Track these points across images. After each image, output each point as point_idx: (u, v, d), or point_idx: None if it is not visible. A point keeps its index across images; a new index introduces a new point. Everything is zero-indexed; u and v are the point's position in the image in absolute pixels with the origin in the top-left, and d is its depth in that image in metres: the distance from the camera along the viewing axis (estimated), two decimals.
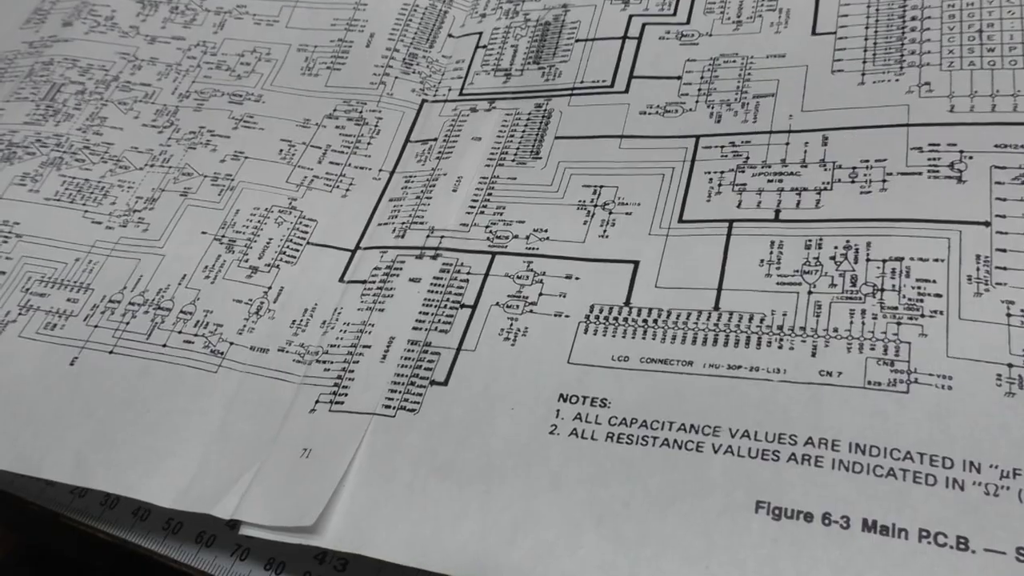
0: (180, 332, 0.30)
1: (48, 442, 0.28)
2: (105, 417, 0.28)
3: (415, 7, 0.39)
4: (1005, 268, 0.25)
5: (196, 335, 0.30)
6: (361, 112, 0.36)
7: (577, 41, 0.35)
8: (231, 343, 0.30)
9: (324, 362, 0.29)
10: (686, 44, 0.34)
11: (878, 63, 0.31)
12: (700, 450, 0.24)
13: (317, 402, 0.28)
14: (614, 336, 0.27)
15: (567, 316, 0.28)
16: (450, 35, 0.38)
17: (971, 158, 0.27)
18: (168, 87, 0.38)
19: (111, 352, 0.30)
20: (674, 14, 0.35)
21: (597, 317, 0.28)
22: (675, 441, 0.24)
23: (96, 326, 0.31)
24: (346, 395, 0.28)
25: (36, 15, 0.44)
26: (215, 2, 0.41)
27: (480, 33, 0.38)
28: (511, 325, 0.28)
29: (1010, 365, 0.23)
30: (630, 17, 0.35)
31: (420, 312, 0.29)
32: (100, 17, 0.42)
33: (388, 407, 0.27)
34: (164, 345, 0.30)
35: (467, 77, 0.36)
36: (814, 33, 0.32)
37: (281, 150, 0.35)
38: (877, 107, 0.29)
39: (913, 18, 0.31)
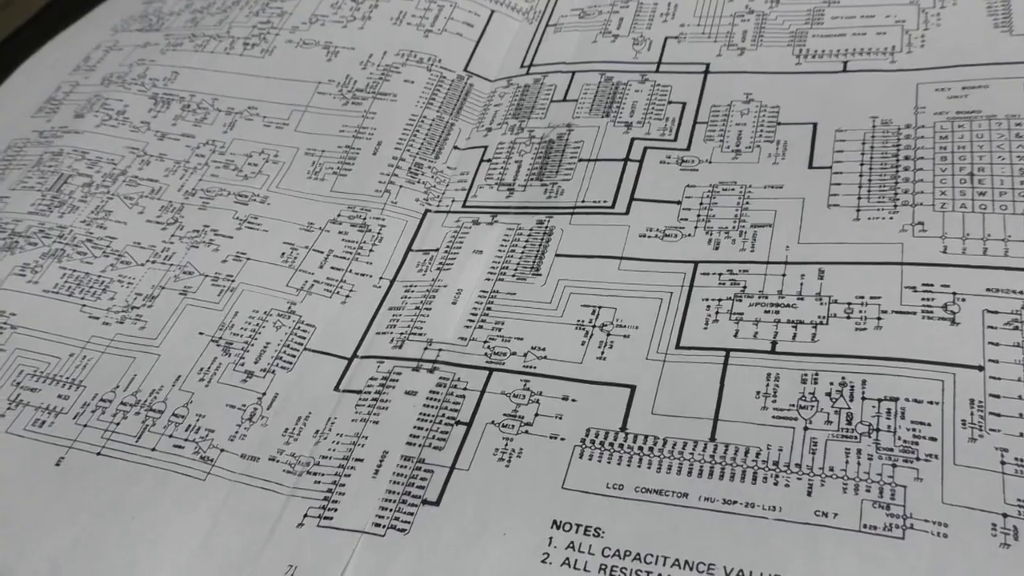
0: (171, 436, 0.30)
1: (24, 547, 0.27)
2: (88, 524, 0.28)
3: (423, 118, 0.40)
4: (999, 415, 0.25)
5: (187, 440, 0.30)
6: (365, 219, 0.36)
7: (580, 160, 0.36)
8: (222, 450, 0.29)
9: (315, 474, 0.29)
10: (686, 170, 0.35)
11: (873, 199, 0.31)
12: None
13: (305, 516, 0.28)
14: (609, 463, 0.27)
15: (563, 439, 0.28)
16: (456, 147, 0.39)
17: (964, 300, 0.28)
18: (175, 184, 0.39)
19: (99, 454, 0.30)
20: (675, 139, 0.36)
21: (593, 442, 0.27)
22: None
23: (85, 425, 0.31)
24: (336, 510, 0.27)
25: (49, 104, 0.45)
26: (227, 102, 0.42)
27: (485, 147, 0.38)
28: (506, 445, 0.28)
29: (1004, 515, 0.23)
30: (632, 140, 0.36)
31: (415, 427, 0.29)
32: (112, 111, 0.43)
33: (378, 525, 0.27)
34: (153, 449, 0.30)
35: (471, 190, 0.37)
36: (811, 166, 0.33)
37: (283, 253, 0.35)
38: (872, 244, 0.30)
39: (907, 157, 0.32)
